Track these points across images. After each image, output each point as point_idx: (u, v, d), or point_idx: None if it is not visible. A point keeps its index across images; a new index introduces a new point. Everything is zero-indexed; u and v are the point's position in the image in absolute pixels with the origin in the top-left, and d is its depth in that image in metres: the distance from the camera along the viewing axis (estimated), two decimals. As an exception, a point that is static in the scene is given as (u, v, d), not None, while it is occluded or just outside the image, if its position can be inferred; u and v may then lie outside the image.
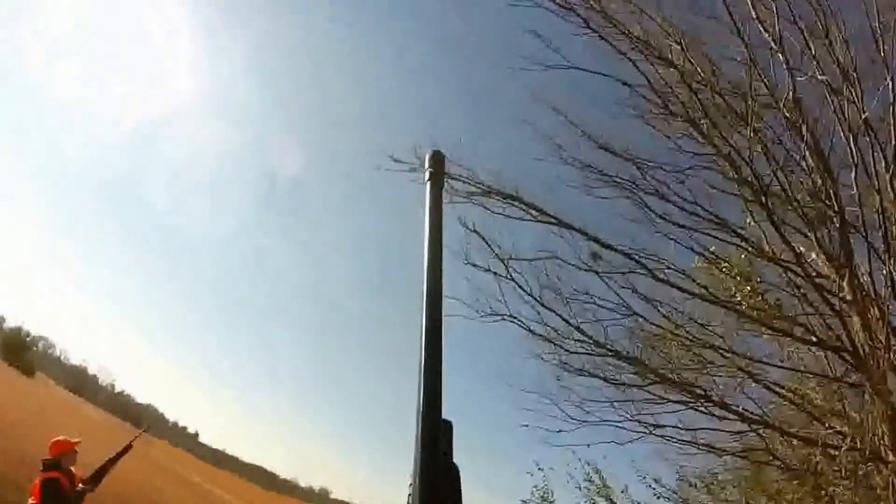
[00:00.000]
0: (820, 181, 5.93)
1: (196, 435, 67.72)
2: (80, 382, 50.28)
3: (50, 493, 4.39)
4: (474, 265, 5.44)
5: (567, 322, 5.78)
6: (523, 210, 5.28)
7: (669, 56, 5.82)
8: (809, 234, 5.90)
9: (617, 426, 6.43)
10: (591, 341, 5.91)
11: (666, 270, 5.74)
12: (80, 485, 4.65)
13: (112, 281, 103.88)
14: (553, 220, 5.33)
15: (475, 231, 5.32)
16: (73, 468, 4.70)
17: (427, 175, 0.72)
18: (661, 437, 6.54)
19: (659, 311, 5.95)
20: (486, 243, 5.37)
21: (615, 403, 6.36)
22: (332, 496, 67.34)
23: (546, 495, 7.12)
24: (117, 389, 58.79)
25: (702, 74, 5.91)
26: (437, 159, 0.75)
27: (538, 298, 5.60)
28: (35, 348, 30.90)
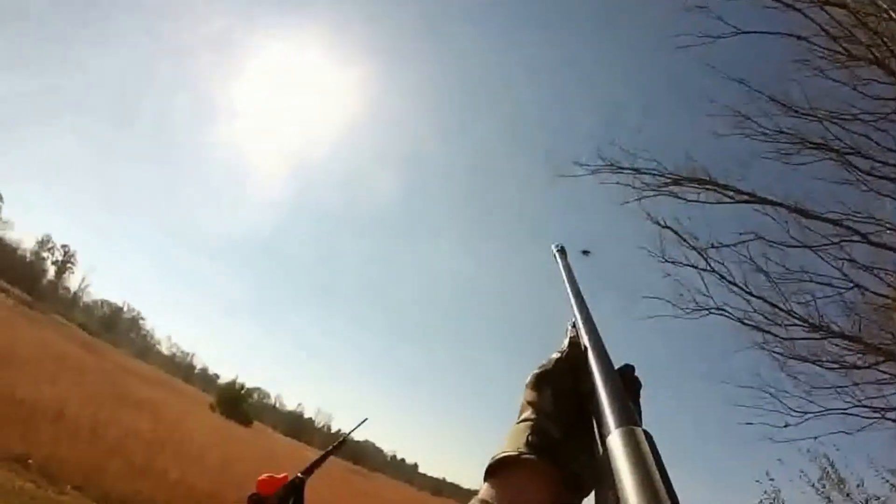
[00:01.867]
0: None
1: (415, 466, 73.70)
2: (297, 426, 53.36)
3: None
4: (671, 262, 5.04)
5: (776, 307, 5.19)
6: (719, 192, 4.84)
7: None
8: None
9: (845, 413, 5.70)
10: (806, 324, 5.29)
11: (884, 233, 5.03)
12: (299, 474, 4.97)
13: (316, 325, 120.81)
14: (752, 199, 4.84)
15: (667, 226, 4.93)
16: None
17: (561, 268, 0.75)
18: (897, 420, 5.75)
19: (881, 279, 5.23)
20: (680, 236, 4.95)
21: (839, 389, 5.64)
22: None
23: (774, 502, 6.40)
24: (333, 430, 62.17)
25: (881, 4, 5.23)
26: (560, 249, 0.82)
27: (743, 286, 5.09)
28: (250, 399, 32.32)
